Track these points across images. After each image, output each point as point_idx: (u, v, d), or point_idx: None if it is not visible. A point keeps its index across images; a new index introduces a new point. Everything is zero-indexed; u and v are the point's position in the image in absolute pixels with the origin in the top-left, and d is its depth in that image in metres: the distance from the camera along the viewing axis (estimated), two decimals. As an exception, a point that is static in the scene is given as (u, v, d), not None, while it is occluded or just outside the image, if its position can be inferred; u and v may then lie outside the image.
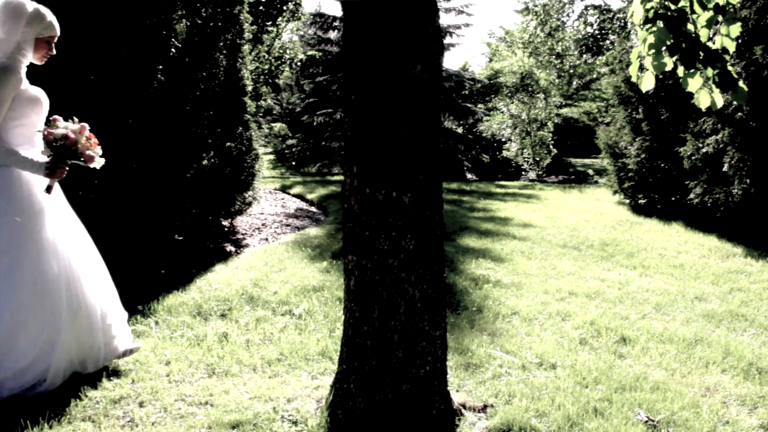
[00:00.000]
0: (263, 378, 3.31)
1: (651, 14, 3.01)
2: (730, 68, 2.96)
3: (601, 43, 20.58)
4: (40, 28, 3.10)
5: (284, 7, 13.17)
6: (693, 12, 2.99)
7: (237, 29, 6.58)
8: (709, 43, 3.01)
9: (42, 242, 3.05)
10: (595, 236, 7.29)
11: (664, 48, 3.03)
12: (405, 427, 2.71)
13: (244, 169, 6.78)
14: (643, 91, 3.25)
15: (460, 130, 19.71)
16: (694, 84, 3.08)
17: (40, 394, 2.99)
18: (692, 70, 3.02)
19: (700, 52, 2.95)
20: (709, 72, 3.02)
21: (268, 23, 13.00)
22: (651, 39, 3.04)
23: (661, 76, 2.98)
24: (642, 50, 3.16)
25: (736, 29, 2.99)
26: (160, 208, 5.68)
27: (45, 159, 3.11)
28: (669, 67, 3.11)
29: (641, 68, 3.21)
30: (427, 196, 2.66)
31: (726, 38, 2.98)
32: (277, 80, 14.41)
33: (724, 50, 2.98)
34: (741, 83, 2.94)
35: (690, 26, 2.98)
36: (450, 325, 4.12)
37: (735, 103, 6.99)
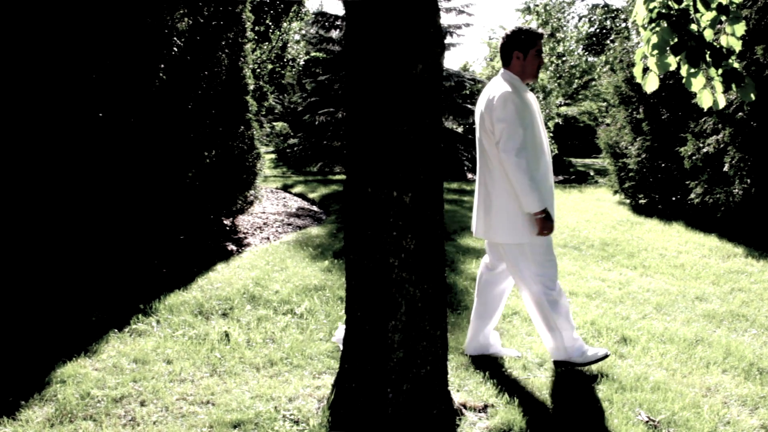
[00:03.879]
0: (265, 377, 3.32)
1: (654, 14, 3.01)
2: (735, 64, 2.97)
3: (603, 42, 20.56)
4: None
5: (290, 10, 13.16)
6: (696, 11, 3.00)
7: (239, 28, 6.59)
8: (714, 43, 3.01)
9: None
10: (596, 236, 7.29)
11: (667, 48, 3.03)
12: (406, 427, 2.71)
13: (245, 168, 6.79)
14: (648, 91, 3.25)
15: (460, 130, 19.69)
16: (697, 84, 3.09)
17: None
18: (696, 70, 3.02)
19: (706, 50, 2.95)
20: (712, 72, 3.02)
21: (270, 24, 12.99)
22: (654, 39, 3.04)
23: (662, 77, 2.99)
24: (646, 50, 3.16)
25: (740, 28, 2.99)
26: (161, 206, 5.69)
27: None
28: (673, 67, 3.11)
29: (645, 69, 3.20)
30: (427, 195, 2.67)
31: (732, 37, 2.98)
32: (282, 81, 14.42)
33: (730, 50, 2.98)
34: (747, 79, 2.93)
35: (693, 26, 2.99)
36: (450, 324, 4.12)
37: (736, 103, 7.00)
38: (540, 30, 3.40)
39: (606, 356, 3.42)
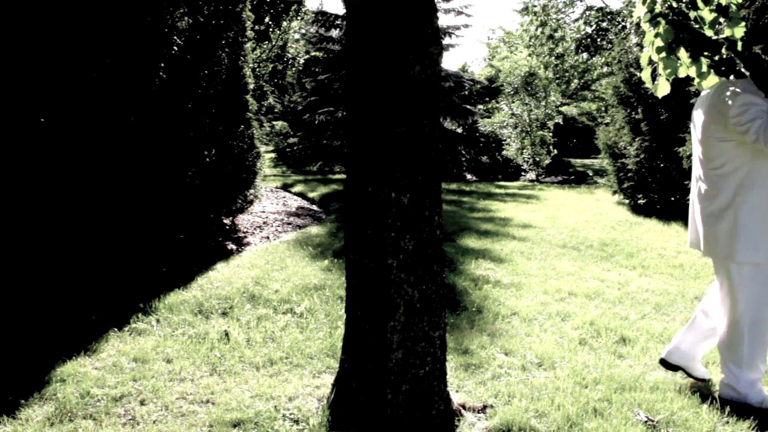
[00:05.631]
0: (265, 376, 3.33)
1: (660, 12, 3.05)
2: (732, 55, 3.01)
3: (600, 43, 20.56)
4: None
5: (290, 9, 13.18)
6: (697, 8, 3.03)
7: (239, 27, 6.60)
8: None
9: None
10: (595, 236, 7.30)
11: (671, 47, 3.06)
12: (405, 427, 2.72)
13: (245, 168, 6.79)
14: (659, 96, 3.27)
15: (459, 131, 19.69)
16: (708, 84, 3.14)
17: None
18: (705, 70, 3.06)
19: (702, 41, 3.00)
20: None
21: (270, 23, 13.01)
22: (659, 42, 3.07)
23: (670, 80, 3.01)
24: (651, 52, 3.17)
25: (740, 30, 3.01)
26: (161, 205, 5.70)
27: None
28: (683, 74, 3.13)
29: (654, 74, 3.22)
30: (425, 196, 2.67)
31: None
32: (282, 80, 14.46)
33: (730, 39, 3.03)
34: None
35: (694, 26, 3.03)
36: (450, 325, 4.13)
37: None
38: None
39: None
